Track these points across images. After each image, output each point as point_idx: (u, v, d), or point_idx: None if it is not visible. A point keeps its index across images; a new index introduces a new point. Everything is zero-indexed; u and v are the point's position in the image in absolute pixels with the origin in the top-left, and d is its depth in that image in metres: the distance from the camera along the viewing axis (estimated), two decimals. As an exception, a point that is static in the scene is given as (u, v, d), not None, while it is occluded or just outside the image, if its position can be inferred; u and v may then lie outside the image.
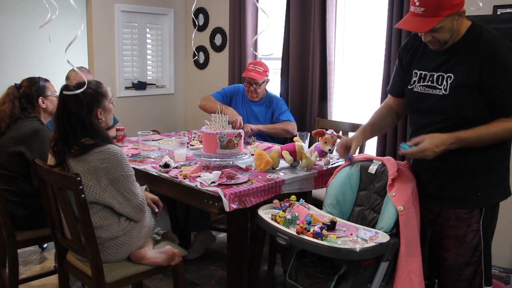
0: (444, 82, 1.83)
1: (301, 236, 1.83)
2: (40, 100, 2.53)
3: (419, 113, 1.99)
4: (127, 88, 4.43)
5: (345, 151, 2.08)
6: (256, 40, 3.89)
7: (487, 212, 1.92)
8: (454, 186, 1.92)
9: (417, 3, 1.73)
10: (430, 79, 1.89)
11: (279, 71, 3.72)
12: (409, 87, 1.98)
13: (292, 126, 3.34)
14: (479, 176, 1.89)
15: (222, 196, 2.02)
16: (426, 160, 1.81)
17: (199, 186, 2.14)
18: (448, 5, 1.70)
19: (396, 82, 2.10)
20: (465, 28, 1.81)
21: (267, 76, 3.39)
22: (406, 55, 2.02)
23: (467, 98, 1.79)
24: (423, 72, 1.92)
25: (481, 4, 2.11)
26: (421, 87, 1.93)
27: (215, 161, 2.45)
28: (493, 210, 1.96)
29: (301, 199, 2.18)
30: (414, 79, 1.95)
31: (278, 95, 3.68)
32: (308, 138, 2.80)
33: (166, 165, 2.37)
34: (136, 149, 2.84)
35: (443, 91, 1.84)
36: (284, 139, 3.40)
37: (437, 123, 1.89)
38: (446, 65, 1.84)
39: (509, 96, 1.75)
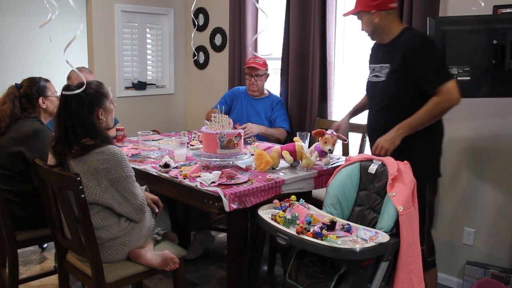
0: (383, 71, 2.32)
1: (301, 236, 1.83)
2: (40, 100, 2.53)
3: (370, 99, 2.49)
4: (127, 88, 4.42)
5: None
6: (256, 40, 3.89)
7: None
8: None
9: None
10: (377, 70, 2.39)
11: (279, 71, 3.72)
12: (366, 80, 2.51)
13: (284, 136, 3.45)
14: (403, 154, 2.17)
15: (222, 196, 2.02)
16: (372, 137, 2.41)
17: (199, 186, 2.14)
18: (362, 5, 2.30)
19: None
20: (399, 30, 2.32)
21: (267, 69, 3.50)
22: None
23: (398, 82, 2.26)
24: (373, 65, 2.44)
25: (482, 4, 2.12)
26: (372, 77, 2.43)
27: (215, 161, 2.45)
28: (420, 190, 2.11)
29: (301, 199, 2.18)
30: (369, 72, 2.48)
31: (278, 95, 3.71)
32: (308, 138, 2.80)
33: (166, 165, 2.37)
34: (136, 149, 2.84)
35: (383, 78, 2.32)
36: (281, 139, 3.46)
37: (376, 104, 2.41)
38: (385, 57, 2.33)
39: (428, 75, 2.18)
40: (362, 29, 2.39)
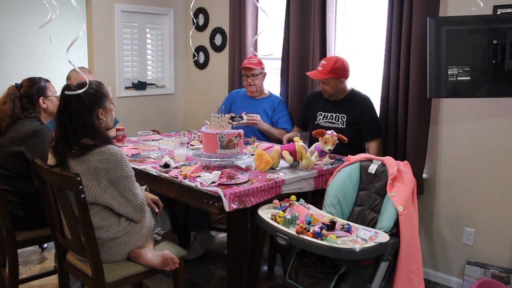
0: (340, 120, 3.00)
1: (301, 236, 1.83)
2: (40, 100, 2.53)
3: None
4: (127, 88, 4.42)
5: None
6: (256, 40, 3.89)
7: None
8: None
9: (320, 65, 2.99)
10: (330, 117, 3.04)
11: (279, 71, 3.71)
12: (315, 122, 3.10)
13: None
14: None
15: (222, 196, 2.02)
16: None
17: (199, 186, 2.14)
18: (335, 73, 2.91)
19: (303, 119, 3.27)
20: (348, 91, 3.03)
21: (262, 67, 3.50)
22: (311, 103, 3.19)
23: (352, 127, 2.95)
24: (324, 113, 3.08)
25: (481, 4, 2.11)
26: (324, 122, 3.06)
27: (215, 161, 2.45)
28: None
29: (301, 199, 2.18)
30: (320, 117, 3.10)
31: (279, 95, 3.72)
32: (308, 138, 2.80)
33: (166, 165, 2.37)
34: (136, 149, 2.84)
35: (340, 125, 2.99)
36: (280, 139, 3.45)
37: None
38: (340, 109, 3.02)
39: (372, 126, 2.94)
40: (323, 88, 3.01)
